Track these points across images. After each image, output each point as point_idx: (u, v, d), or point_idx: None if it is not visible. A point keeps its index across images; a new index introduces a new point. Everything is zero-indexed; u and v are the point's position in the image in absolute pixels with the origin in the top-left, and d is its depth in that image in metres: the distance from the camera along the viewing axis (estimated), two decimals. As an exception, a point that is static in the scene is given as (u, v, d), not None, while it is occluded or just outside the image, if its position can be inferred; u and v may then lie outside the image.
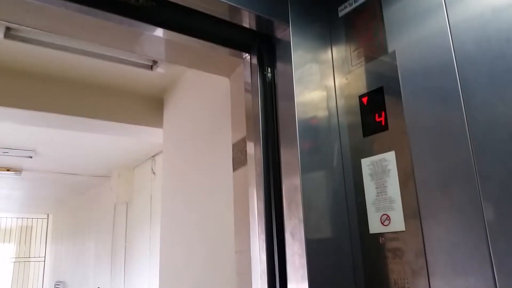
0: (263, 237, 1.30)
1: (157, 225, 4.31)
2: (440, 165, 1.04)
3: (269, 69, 1.47)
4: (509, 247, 0.89)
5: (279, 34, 1.44)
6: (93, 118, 3.16)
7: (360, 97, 1.31)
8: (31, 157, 5.06)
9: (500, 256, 0.90)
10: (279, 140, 1.35)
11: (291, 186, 1.26)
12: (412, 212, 1.10)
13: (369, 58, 1.31)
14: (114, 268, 6.15)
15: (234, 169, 1.69)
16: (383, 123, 1.21)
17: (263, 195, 1.33)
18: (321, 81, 1.40)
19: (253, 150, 1.43)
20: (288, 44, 1.38)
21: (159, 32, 1.36)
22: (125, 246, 5.81)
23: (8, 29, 2.16)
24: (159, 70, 2.79)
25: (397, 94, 1.18)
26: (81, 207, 8.35)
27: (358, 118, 1.29)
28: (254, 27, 1.43)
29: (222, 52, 1.52)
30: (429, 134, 1.08)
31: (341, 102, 1.37)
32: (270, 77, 1.46)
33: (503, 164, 0.92)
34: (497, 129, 0.95)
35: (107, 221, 6.63)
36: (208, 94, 2.58)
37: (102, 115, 3.19)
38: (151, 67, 2.77)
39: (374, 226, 1.20)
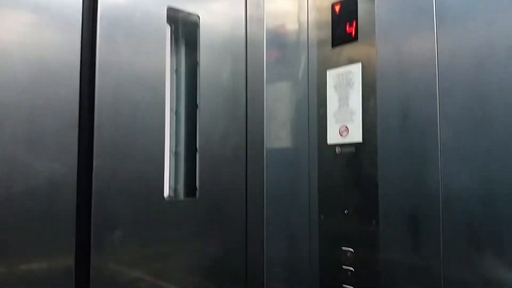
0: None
1: None
2: (404, 81, 1.04)
3: None
4: (458, 165, 0.93)
5: None
6: None
7: (333, 4, 1.24)
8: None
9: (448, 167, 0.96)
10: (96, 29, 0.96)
11: (255, 95, 1.22)
12: (370, 125, 1.12)
13: (346, -40, 1.21)
14: None
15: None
16: (353, 34, 1.17)
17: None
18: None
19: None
20: None
21: None
22: None
23: None
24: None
25: (371, 2, 1.12)
26: None
27: (328, 31, 1.24)
28: None
29: None
30: (398, 47, 1.06)
31: (312, 15, 1.30)
32: None
33: (465, 82, 0.92)
34: (465, 47, 0.93)
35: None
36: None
37: None
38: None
39: (333, 137, 1.21)
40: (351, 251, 1.14)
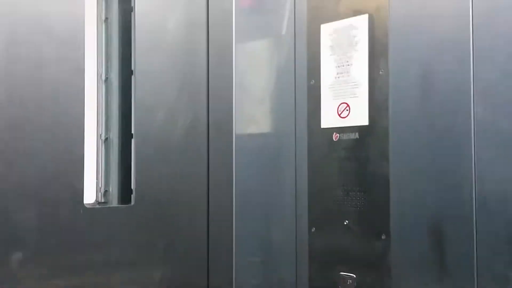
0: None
1: None
2: (426, 39, 0.89)
3: None
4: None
5: None
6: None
7: None
8: None
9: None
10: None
11: (219, 57, 1.07)
12: (380, 101, 0.97)
13: None
14: None
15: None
16: (357, -28, 1.04)
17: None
18: None
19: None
20: None
21: None
22: None
23: None
24: None
25: None
26: None
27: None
28: None
29: None
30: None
31: None
32: None
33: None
34: None
35: None
36: None
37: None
38: None
39: (329, 118, 1.07)
40: (352, 277, 1.01)
